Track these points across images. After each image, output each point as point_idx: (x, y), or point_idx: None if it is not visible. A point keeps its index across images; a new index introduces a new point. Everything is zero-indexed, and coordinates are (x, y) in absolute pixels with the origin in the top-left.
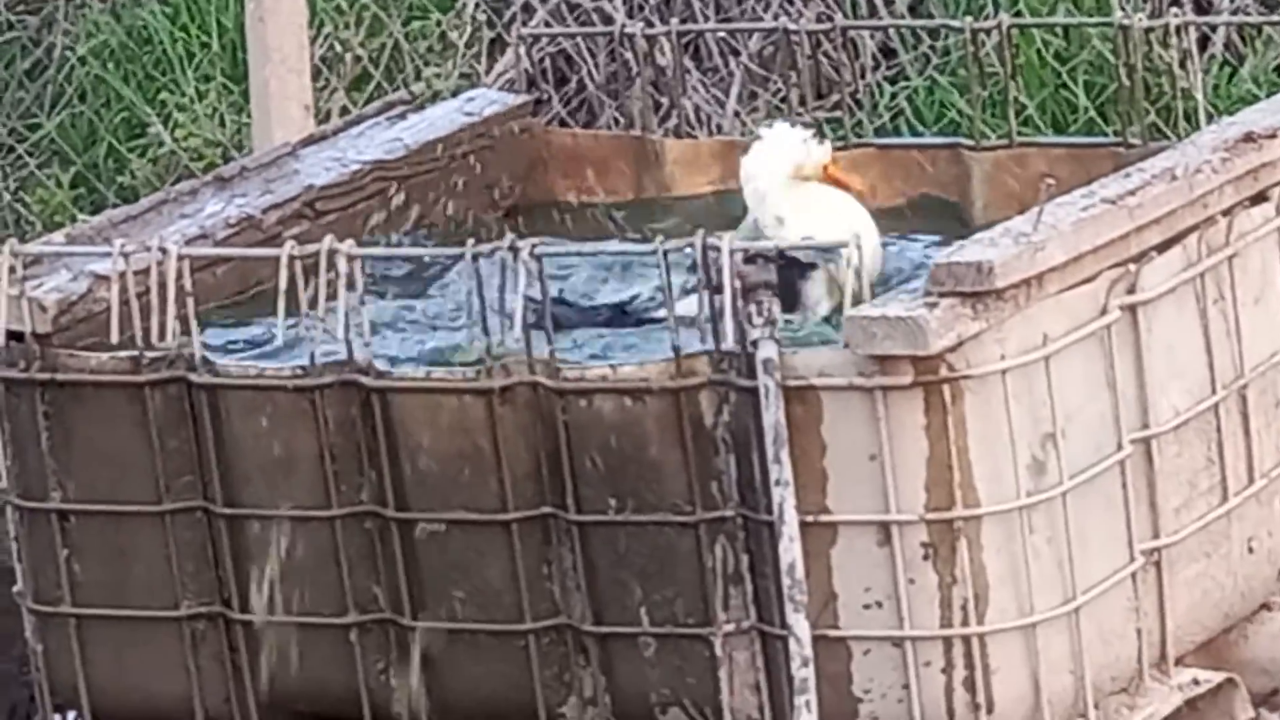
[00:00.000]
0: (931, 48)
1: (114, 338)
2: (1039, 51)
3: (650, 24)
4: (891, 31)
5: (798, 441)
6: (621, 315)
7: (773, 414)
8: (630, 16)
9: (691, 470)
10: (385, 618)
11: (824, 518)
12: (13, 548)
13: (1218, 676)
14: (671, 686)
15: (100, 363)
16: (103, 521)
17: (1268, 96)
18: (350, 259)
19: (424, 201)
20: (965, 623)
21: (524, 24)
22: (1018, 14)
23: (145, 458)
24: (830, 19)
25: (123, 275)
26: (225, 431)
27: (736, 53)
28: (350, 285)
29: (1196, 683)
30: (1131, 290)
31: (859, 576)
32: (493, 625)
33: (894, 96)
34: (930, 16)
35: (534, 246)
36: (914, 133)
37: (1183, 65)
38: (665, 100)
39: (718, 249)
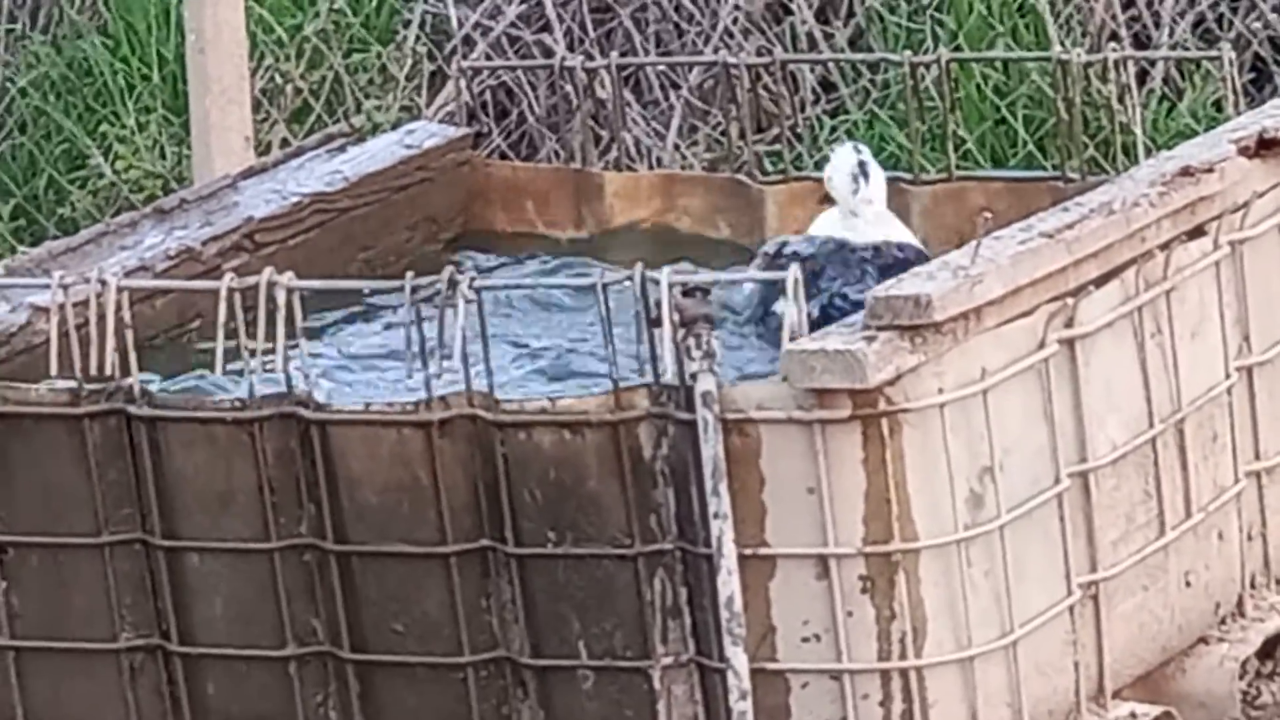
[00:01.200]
0: (871, 81)
1: (53, 370)
2: (978, 86)
3: (590, 57)
4: (831, 65)
5: (736, 474)
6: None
7: (711, 447)
8: (570, 49)
9: (630, 503)
10: (324, 650)
11: (762, 551)
12: None
13: (1155, 710)
14: (610, 719)
15: (39, 395)
16: (41, 554)
17: (1206, 130)
18: (289, 291)
19: (364, 234)
20: (903, 656)
21: (464, 57)
22: (957, 48)
23: (84, 490)
24: (770, 53)
25: (62, 307)
26: (164, 464)
27: (677, 86)
28: (289, 317)
29: (1134, 716)
30: (1069, 324)
31: (797, 609)
32: (431, 658)
33: (834, 130)
34: (870, 50)
35: (472, 280)
36: None
37: (1121, 100)
38: (605, 133)
39: (656, 282)
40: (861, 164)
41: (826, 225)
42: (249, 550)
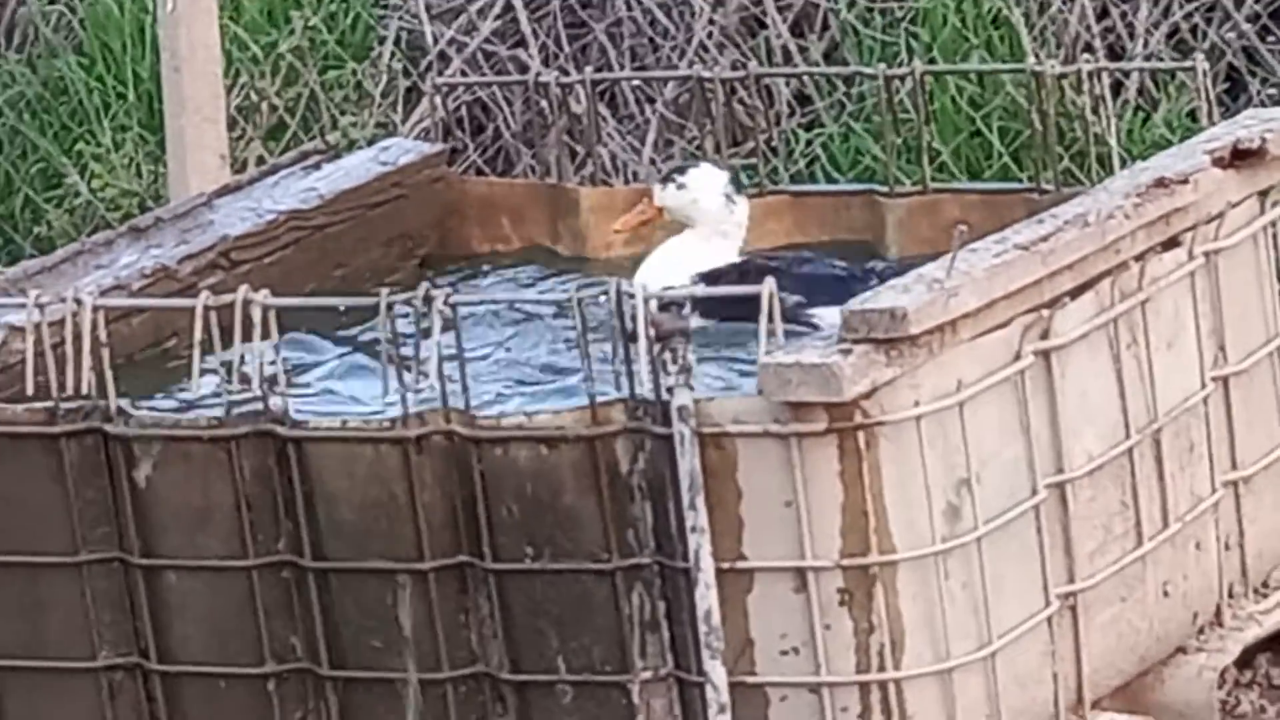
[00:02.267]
0: (846, 94)
1: (29, 389)
2: (953, 98)
3: (565, 72)
4: (806, 79)
5: (713, 488)
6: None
7: (688, 461)
8: (545, 65)
9: (607, 518)
10: (303, 667)
11: (740, 564)
12: None
13: None
14: None
15: (15, 414)
16: (19, 573)
17: (1180, 142)
18: (265, 308)
19: (339, 251)
20: (882, 668)
21: (439, 73)
22: (931, 61)
23: (61, 509)
24: (745, 66)
25: (38, 326)
26: (141, 483)
27: (652, 100)
28: (265, 334)
29: None
30: (1045, 336)
31: (775, 623)
32: (408, 674)
33: (809, 143)
34: (845, 63)
35: (448, 296)
36: (829, 179)
37: (1095, 111)
38: (581, 148)
39: (632, 296)
40: (735, 182)
41: (684, 249)
42: (227, 568)
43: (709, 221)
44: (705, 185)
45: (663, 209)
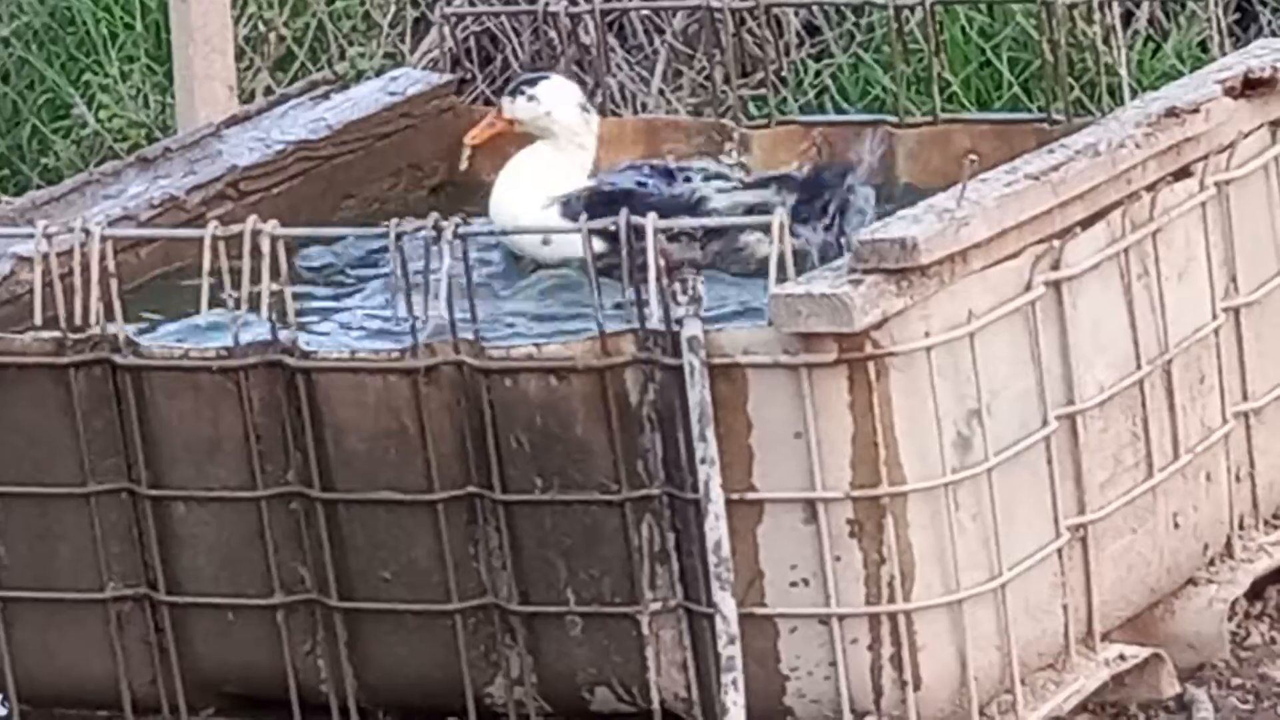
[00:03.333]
0: (856, 25)
1: (38, 319)
2: (963, 28)
3: (574, 2)
4: (816, 9)
5: (723, 420)
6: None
7: (698, 392)
8: None
9: (617, 449)
10: (311, 598)
11: (750, 495)
12: None
13: (1144, 651)
14: (598, 665)
15: (24, 344)
16: (28, 504)
17: (1191, 72)
18: (274, 239)
19: (348, 181)
20: (891, 599)
21: (448, 3)
22: None
23: (70, 440)
24: None
25: (46, 257)
26: (150, 413)
27: (661, 31)
28: (274, 265)
29: (1123, 658)
30: (1056, 266)
31: (785, 554)
32: (419, 605)
33: (818, 74)
34: None
35: (457, 226)
36: (838, 110)
37: (1106, 41)
38: (590, 79)
39: (641, 227)
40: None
41: (539, 161)
42: (235, 499)
43: (564, 134)
44: (558, 97)
45: (513, 121)
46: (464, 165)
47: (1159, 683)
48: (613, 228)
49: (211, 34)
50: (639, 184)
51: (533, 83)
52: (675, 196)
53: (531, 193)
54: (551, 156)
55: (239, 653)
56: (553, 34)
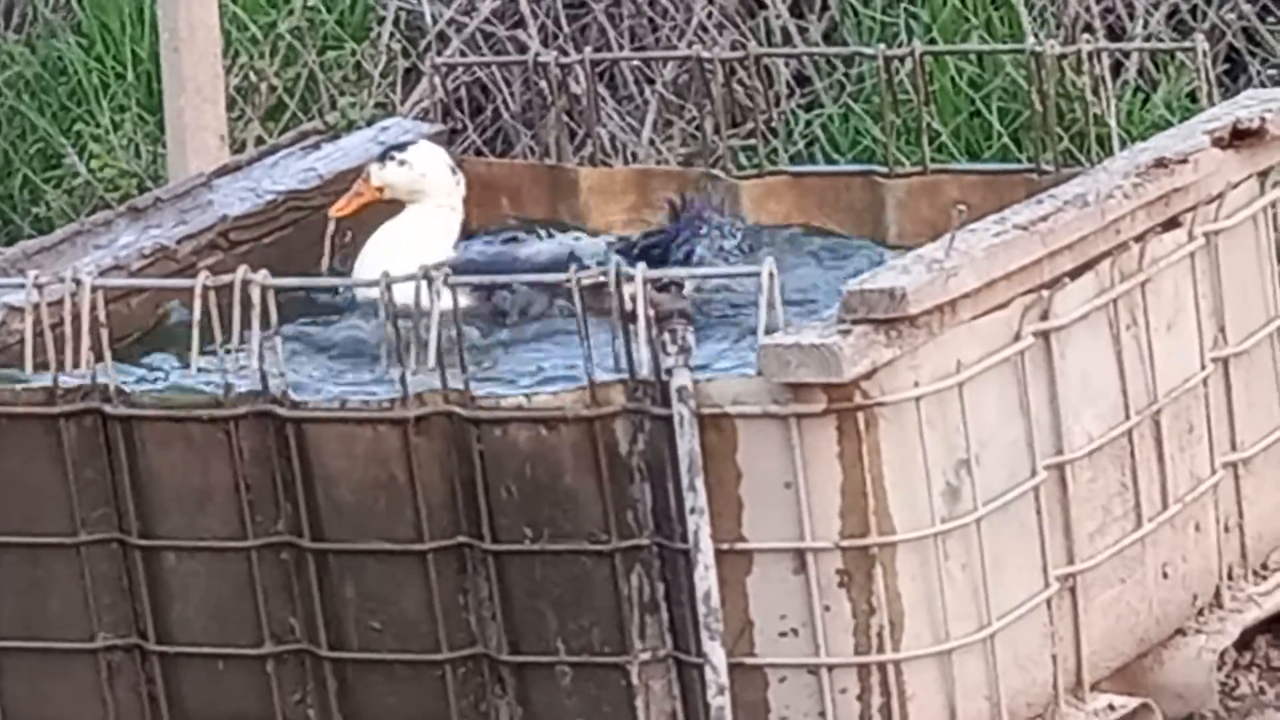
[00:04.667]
0: (846, 75)
1: (28, 369)
2: (953, 78)
3: (565, 53)
4: (806, 59)
5: (713, 469)
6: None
7: (687, 442)
8: (545, 45)
9: (607, 499)
10: (302, 648)
11: (739, 545)
12: None
13: (1133, 702)
14: (588, 715)
15: (14, 394)
16: (18, 554)
17: (1180, 122)
18: (264, 289)
19: (339, 231)
20: (881, 649)
21: (439, 53)
22: (931, 41)
23: (60, 490)
24: (744, 47)
25: (37, 307)
26: (140, 463)
27: (651, 81)
28: (264, 316)
29: (1112, 708)
30: (1045, 316)
31: (775, 604)
32: (409, 655)
33: (808, 124)
34: (844, 44)
35: (447, 275)
36: (828, 160)
37: (1095, 91)
38: (580, 129)
39: (631, 277)
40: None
41: (409, 228)
42: (226, 549)
43: (438, 195)
44: (429, 160)
45: (382, 188)
46: (326, 249)
47: None
48: (603, 278)
49: (203, 84)
50: (501, 248)
51: (401, 148)
52: (537, 256)
53: (403, 260)
54: (421, 223)
55: (229, 702)
56: (543, 84)
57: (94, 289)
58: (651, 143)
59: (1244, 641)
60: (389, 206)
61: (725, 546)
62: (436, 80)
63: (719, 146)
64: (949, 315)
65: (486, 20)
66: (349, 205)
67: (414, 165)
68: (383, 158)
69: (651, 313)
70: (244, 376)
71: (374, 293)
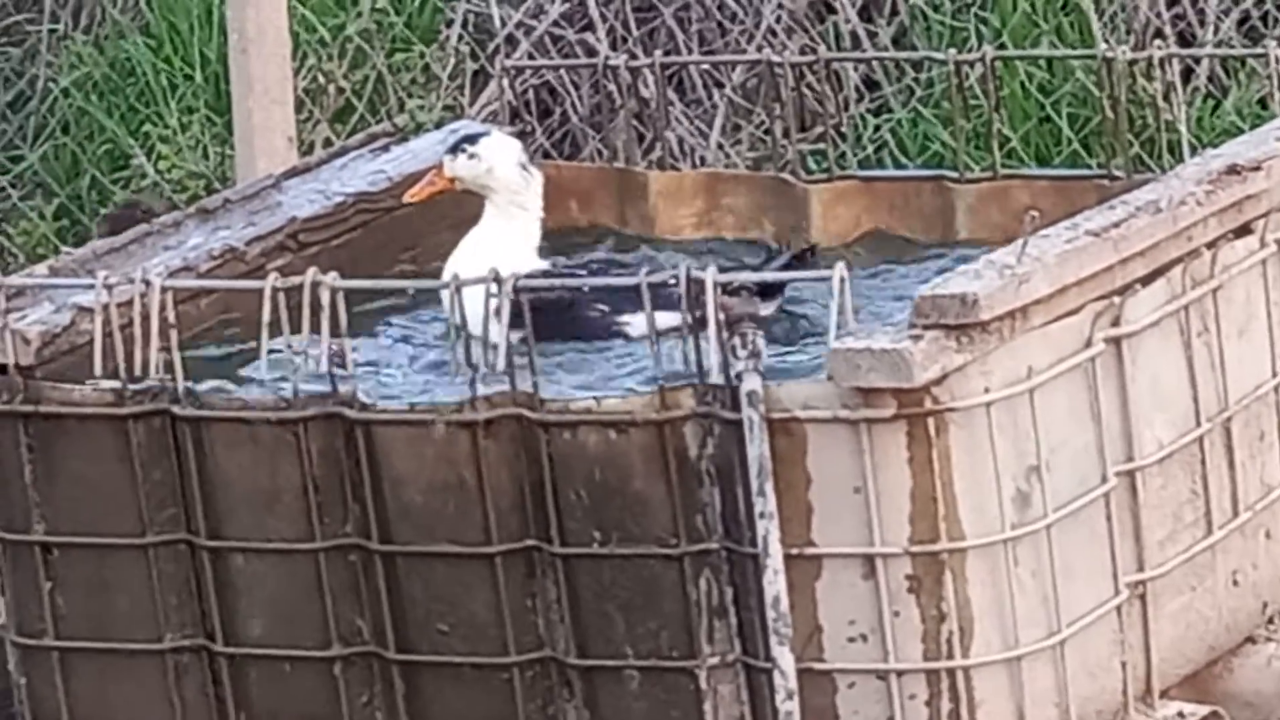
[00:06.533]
0: (915, 80)
1: (97, 370)
2: (1023, 83)
3: (634, 56)
4: (875, 64)
5: (782, 474)
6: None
7: (757, 447)
8: (614, 48)
9: (676, 503)
10: (369, 651)
11: (809, 550)
12: None
13: (1203, 709)
14: (656, 719)
15: (83, 395)
16: (86, 554)
17: (1251, 128)
18: (333, 291)
19: (407, 234)
20: (950, 655)
21: (507, 56)
22: (1001, 46)
23: (128, 490)
24: (814, 51)
25: (106, 307)
26: (208, 464)
27: (720, 85)
28: (334, 317)
29: (1181, 716)
30: (1116, 323)
31: (844, 609)
32: (477, 658)
33: (878, 129)
34: (914, 48)
35: (516, 279)
36: (898, 165)
37: (1166, 97)
38: (649, 132)
39: (701, 281)
40: (527, 152)
41: (487, 239)
42: (294, 550)
43: (505, 191)
44: (499, 154)
45: (454, 179)
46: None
47: None
48: (673, 281)
49: (271, 85)
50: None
51: (473, 139)
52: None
53: (488, 261)
54: (499, 229)
55: (296, 705)
56: (612, 87)
57: (163, 290)
58: (720, 146)
59: None
60: (473, 199)
61: (794, 551)
62: (505, 83)
63: (788, 150)
64: (1020, 321)
65: (555, 23)
66: (421, 193)
67: (482, 158)
68: (454, 149)
69: (722, 316)
70: (313, 379)
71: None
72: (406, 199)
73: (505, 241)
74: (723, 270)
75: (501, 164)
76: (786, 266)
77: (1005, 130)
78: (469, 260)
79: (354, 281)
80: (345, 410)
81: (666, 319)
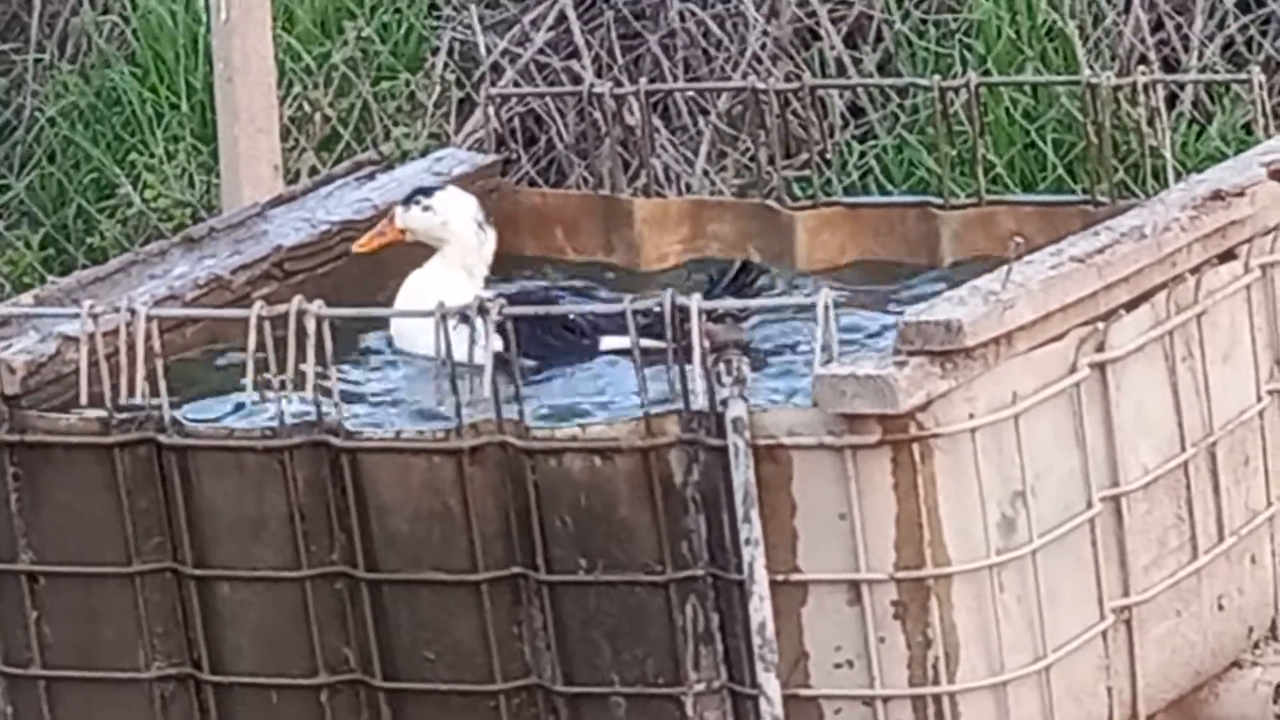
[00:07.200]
0: (900, 106)
1: (83, 399)
2: (1007, 110)
3: (619, 83)
4: (860, 90)
5: (767, 500)
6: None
7: (742, 473)
8: (599, 76)
9: (661, 529)
10: (356, 678)
11: (794, 577)
12: None
13: None
14: None
15: (69, 424)
16: (72, 583)
17: (1236, 154)
18: (319, 319)
19: (393, 262)
20: (936, 681)
21: (493, 84)
22: (986, 72)
23: (115, 519)
24: (799, 78)
25: (91, 336)
26: (195, 492)
27: (705, 112)
28: (319, 345)
29: None
30: (1100, 348)
31: (829, 635)
32: (463, 685)
33: (863, 155)
34: (898, 75)
35: (502, 306)
36: (883, 191)
37: (1151, 123)
38: (634, 159)
39: (686, 308)
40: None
41: (432, 281)
42: (280, 579)
43: (458, 245)
44: (454, 209)
45: (405, 230)
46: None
47: None
48: (657, 308)
49: (256, 114)
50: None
51: (428, 192)
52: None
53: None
54: (443, 273)
55: None
56: (597, 115)
57: (149, 318)
58: (705, 174)
59: None
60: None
61: (780, 578)
62: (490, 111)
63: (773, 177)
64: (1005, 347)
65: (540, 51)
66: (370, 243)
67: (437, 212)
68: (408, 200)
69: (707, 343)
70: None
71: (415, 345)
72: (355, 249)
73: (449, 285)
74: (682, 297)
75: (457, 219)
76: (727, 287)
77: (990, 156)
78: (416, 296)
79: (340, 310)
80: (331, 438)
81: (620, 342)
